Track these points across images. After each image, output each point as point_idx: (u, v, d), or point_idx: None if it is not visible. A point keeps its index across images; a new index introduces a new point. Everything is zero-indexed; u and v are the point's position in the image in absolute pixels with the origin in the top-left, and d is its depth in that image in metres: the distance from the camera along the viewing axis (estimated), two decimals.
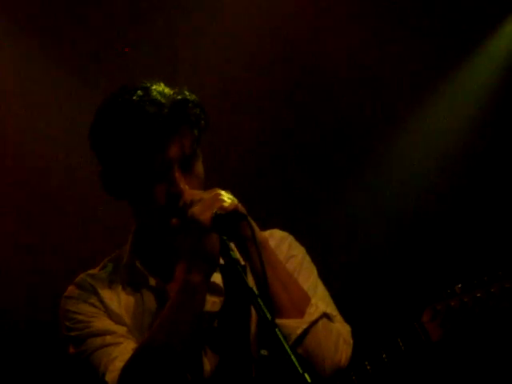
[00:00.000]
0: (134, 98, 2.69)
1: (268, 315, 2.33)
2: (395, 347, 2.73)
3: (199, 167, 2.77)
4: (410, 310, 2.86)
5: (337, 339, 2.75)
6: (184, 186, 2.68)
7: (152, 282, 2.86)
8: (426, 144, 5.19)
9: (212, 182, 2.75)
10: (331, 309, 2.85)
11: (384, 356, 2.73)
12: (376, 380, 2.72)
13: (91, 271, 2.95)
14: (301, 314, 2.71)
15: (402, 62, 5.09)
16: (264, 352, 2.72)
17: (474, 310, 2.74)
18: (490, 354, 4.93)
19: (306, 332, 2.70)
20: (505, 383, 4.83)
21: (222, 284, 2.84)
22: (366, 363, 2.73)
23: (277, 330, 2.30)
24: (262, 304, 2.35)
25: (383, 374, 2.72)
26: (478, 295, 2.74)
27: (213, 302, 2.81)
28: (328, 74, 5.11)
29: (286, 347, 2.27)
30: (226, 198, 2.58)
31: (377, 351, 2.74)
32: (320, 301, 2.81)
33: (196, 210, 2.57)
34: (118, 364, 2.68)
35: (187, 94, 2.74)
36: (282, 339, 2.29)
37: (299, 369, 2.24)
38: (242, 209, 2.58)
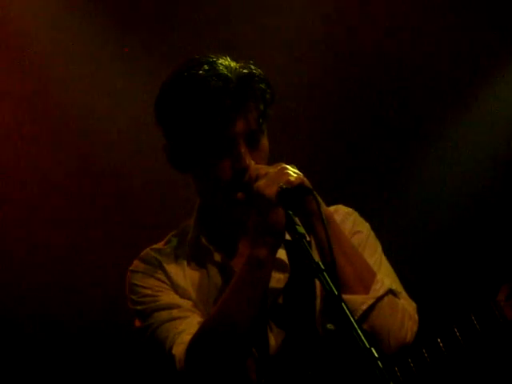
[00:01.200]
0: (201, 72, 2.68)
1: (334, 290, 2.32)
2: (469, 325, 2.68)
3: (264, 142, 2.76)
4: (485, 289, 2.81)
5: (402, 315, 2.73)
6: (249, 161, 2.68)
7: (217, 257, 2.87)
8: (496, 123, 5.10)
9: (277, 157, 2.74)
10: (396, 285, 2.83)
11: (457, 334, 2.69)
12: (448, 358, 2.69)
13: (156, 246, 2.97)
14: (366, 289, 2.70)
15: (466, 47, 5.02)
16: (330, 326, 2.71)
17: None
18: None
19: (371, 308, 2.68)
20: None
21: (286, 260, 2.83)
22: (439, 340, 2.70)
23: (343, 304, 2.29)
24: (328, 278, 2.34)
25: (456, 352, 2.68)
26: None
27: (278, 279, 2.80)
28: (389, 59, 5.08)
29: (353, 322, 2.27)
30: (292, 172, 2.57)
31: (450, 329, 2.70)
32: (385, 277, 2.79)
33: (262, 184, 2.56)
34: (186, 337, 2.70)
35: (253, 68, 2.73)
36: (348, 314, 2.28)
37: (366, 343, 2.23)
38: (307, 183, 2.57)
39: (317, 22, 4.97)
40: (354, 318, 2.27)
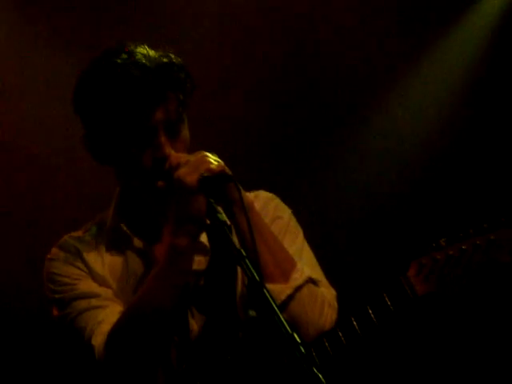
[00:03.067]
0: (119, 61, 2.64)
1: (256, 276, 2.32)
2: (381, 302, 2.72)
3: (185, 131, 2.74)
4: (397, 266, 2.85)
5: (321, 304, 2.75)
6: (169, 149, 2.66)
7: (137, 243, 2.85)
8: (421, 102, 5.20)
9: (197, 146, 2.73)
10: (316, 273, 2.84)
11: (370, 311, 2.72)
12: (362, 336, 2.72)
13: (74, 233, 2.93)
14: (286, 278, 2.70)
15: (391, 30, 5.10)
16: (252, 313, 2.72)
17: (460, 261, 2.71)
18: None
19: (290, 297, 2.69)
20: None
21: (207, 242, 2.83)
22: (352, 319, 2.73)
23: (265, 290, 2.29)
24: (250, 265, 2.35)
25: (369, 330, 2.71)
26: (464, 247, 2.70)
27: (198, 261, 2.78)
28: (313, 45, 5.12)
29: (275, 308, 2.27)
30: (213, 160, 2.57)
31: (363, 307, 2.73)
32: (305, 265, 2.80)
33: (182, 172, 2.55)
34: (105, 327, 2.67)
35: (172, 56, 2.71)
36: (270, 300, 2.28)
37: (288, 329, 2.25)
38: (228, 171, 2.57)
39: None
40: (275, 305, 2.29)
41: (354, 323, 2.71)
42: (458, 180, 5.10)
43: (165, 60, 2.68)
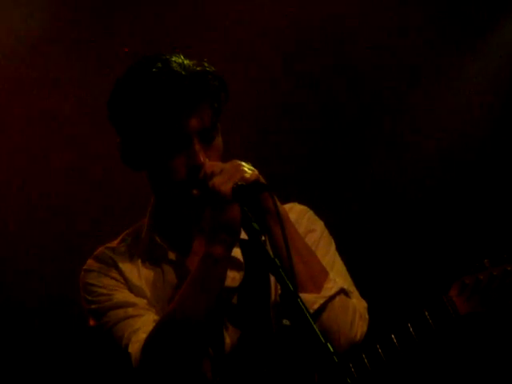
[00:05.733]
0: (154, 69, 2.68)
1: (290, 286, 2.34)
2: (422, 320, 2.71)
3: (219, 139, 2.76)
4: (438, 285, 2.84)
5: (353, 315, 2.76)
6: (204, 158, 2.68)
7: (171, 255, 2.87)
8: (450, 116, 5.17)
9: (231, 155, 2.74)
10: (348, 284, 2.85)
11: (411, 329, 2.71)
12: (402, 353, 2.71)
13: (110, 244, 2.96)
14: (318, 288, 2.71)
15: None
16: (286, 322, 2.72)
17: (504, 282, 2.71)
18: None
19: (322, 307, 2.70)
20: None
21: (241, 259, 2.84)
22: (393, 336, 2.72)
23: (299, 300, 2.31)
24: (283, 274, 2.36)
25: (410, 347, 2.70)
26: (509, 268, 2.71)
27: (233, 278, 2.81)
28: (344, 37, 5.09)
29: (309, 317, 2.29)
30: (247, 168, 2.59)
31: (403, 324, 2.72)
32: (338, 276, 2.81)
33: (217, 181, 2.57)
34: (141, 335, 2.69)
35: (206, 65, 2.74)
36: (304, 310, 2.30)
37: (321, 338, 2.25)
38: (262, 180, 2.59)
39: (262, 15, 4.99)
40: (309, 314, 2.29)
41: (395, 340, 2.70)
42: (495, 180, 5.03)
43: (199, 68, 2.72)
